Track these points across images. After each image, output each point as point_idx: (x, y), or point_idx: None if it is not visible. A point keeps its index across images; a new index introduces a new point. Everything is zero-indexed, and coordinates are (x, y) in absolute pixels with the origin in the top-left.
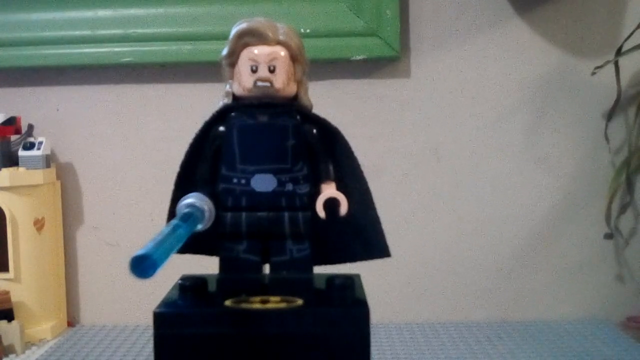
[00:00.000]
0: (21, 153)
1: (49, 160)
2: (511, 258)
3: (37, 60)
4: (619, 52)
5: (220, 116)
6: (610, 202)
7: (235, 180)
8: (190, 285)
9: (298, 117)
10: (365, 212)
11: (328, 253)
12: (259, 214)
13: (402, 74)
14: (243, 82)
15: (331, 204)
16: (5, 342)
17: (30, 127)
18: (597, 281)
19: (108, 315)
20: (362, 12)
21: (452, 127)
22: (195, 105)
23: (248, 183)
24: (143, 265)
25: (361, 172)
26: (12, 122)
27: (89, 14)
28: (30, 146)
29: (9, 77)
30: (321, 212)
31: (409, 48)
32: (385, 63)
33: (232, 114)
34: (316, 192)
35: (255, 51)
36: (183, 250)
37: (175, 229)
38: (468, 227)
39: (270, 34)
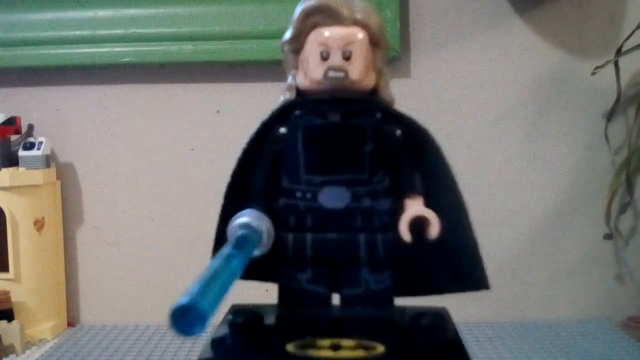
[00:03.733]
0: (21, 153)
1: (49, 160)
2: (511, 258)
3: (37, 60)
4: (619, 52)
5: (282, 115)
6: (610, 202)
7: (299, 194)
8: (243, 322)
9: (378, 115)
10: (459, 233)
11: (411, 283)
12: (328, 235)
13: (402, 74)
14: (311, 72)
15: (418, 223)
16: (5, 342)
17: (30, 127)
18: (597, 281)
19: (108, 315)
20: None
21: (452, 127)
22: (195, 105)
23: (315, 198)
24: (188, 319)
25: (456, 184)
26: (12, 122)
27: (89, 14)
28: (30, 146)
29: (9, 77)
30: (406, 235)
31: (409, 48)
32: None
33: (296, 112)
34: (399, 209)
35: (327, 33)
36: None
37: (228, 260)
38: None
39: (345, 12)
